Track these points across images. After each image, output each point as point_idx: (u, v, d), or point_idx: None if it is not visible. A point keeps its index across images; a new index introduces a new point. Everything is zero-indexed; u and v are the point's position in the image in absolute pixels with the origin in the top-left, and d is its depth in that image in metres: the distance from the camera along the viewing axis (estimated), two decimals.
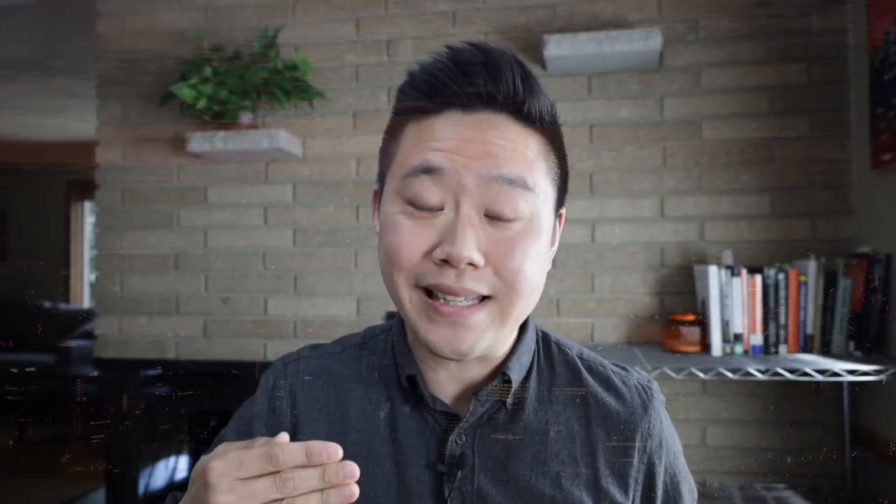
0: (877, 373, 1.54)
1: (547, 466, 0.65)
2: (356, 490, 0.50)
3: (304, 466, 0.49)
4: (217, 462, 0.49)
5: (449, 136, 0.60)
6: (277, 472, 0.49)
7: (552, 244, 0.66)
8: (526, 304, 0.62)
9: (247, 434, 0.67)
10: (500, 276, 0.59)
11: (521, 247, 0.60)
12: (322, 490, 0.49)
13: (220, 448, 0.53)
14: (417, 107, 0.62)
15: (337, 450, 0.49)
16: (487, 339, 0.61)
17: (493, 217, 0.60)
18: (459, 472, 0.63)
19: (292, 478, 0.48)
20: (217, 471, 0.49)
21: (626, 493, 0.66)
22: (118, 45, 2.41)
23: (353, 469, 0.49)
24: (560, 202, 0.67)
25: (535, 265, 0.61)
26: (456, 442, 0.64)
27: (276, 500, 0.49)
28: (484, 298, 0.60)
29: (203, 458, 0.52)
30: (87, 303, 6.12)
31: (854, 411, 1.90)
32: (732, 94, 2.02)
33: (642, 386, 0.71)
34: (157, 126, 2.36)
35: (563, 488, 0.64)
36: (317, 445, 0.49)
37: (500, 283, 0.60)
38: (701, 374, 1.66)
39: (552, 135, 0.64)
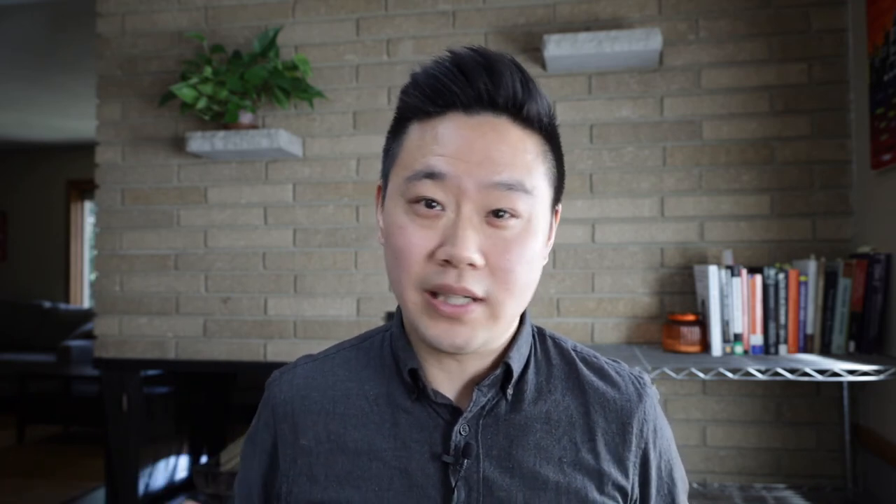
0: (877, 373, 1.54)
1: (549, 453, 0.67)
2: None
3: None
4: None
5: (451, 140, 0.62)
6: None
7: (549, 239, 0.69)
8: (517, 303, 0.64)
9: (261, 448, 0.73)
10: (495, 276, 0.62)
11: (518, 248, 0.62)
12: None
13: None
14: (421, 108, 0.64)
15: None
16: (482, 335, 0.63)
17: (492, 219, 0.62)
18: (465, 462, 0.65)
19: None
20: None
21: (625, 476, 0.69)
22: (118, 45, 2.41)
23: None
24: (556, 200, 0.69)
25: (528, 265, 0.63)
26: (460, 433, 0.66)
27: None
28: (478, 299, 0.62)
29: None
30: (87, 303, 6.12)
31: (854, 411, 1.90)
32: (732, 94, 2.02)
33: (635, 376, 0.74)
34: (157, 126, 2.36)
35: (567, 473, 0.66)
36: None
37: (494, 283, 0.62)
38: (701, 374, 1.66)
39: (550, 136, 0.67)
